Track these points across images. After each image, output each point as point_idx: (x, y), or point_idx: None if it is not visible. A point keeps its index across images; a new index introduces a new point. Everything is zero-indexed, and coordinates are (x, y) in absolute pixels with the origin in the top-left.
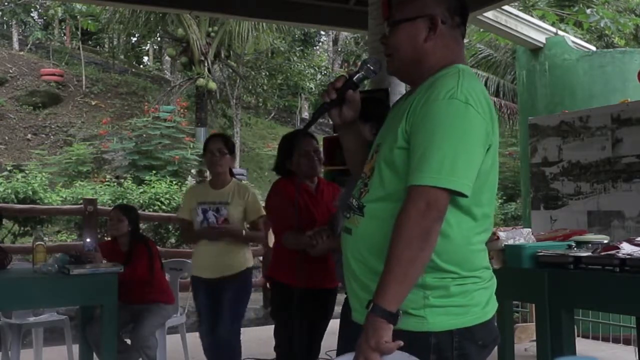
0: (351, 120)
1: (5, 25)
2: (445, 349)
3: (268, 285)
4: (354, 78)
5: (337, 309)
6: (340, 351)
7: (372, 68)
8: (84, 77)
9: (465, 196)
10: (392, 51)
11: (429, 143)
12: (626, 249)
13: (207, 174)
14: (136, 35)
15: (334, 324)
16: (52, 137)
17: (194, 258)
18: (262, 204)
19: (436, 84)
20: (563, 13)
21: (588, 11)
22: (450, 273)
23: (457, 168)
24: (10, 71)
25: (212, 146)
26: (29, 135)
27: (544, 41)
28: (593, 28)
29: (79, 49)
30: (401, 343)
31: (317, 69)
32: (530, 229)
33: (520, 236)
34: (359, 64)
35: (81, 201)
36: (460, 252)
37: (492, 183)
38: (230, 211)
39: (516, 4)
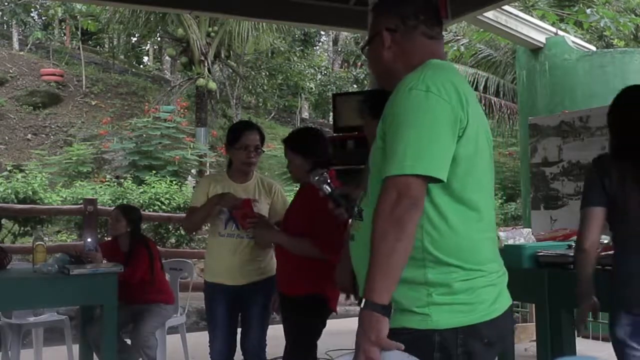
0: None
1: (5, 25)
2: (450, 347)
3: None
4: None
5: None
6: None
7: (324, 181)
8: (84, 77)
9: (439, 180)
10: (372, 71)
11: (393, 136)
12: None
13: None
14: (136, 35)
15: (333, 324)
16: (52, 137)
17: (212, 261)
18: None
19: (400, 83)
20: (563, 13)
21: (588, 11)
22: (453, 267)
23: (422, 153)
24: (10, 71)
25: (249, 141)
26: (29, 135)
27: (544, 41)
28: (593, 28)
29: (79, 49)
30: (401, 346)
31: (317, 69)
32: (530, 229)
33: (520, 236)
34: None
35: (81, 201)
36: (460, 244)
37: (480, 169)
38: (259, 209)
39: (516, 4)
